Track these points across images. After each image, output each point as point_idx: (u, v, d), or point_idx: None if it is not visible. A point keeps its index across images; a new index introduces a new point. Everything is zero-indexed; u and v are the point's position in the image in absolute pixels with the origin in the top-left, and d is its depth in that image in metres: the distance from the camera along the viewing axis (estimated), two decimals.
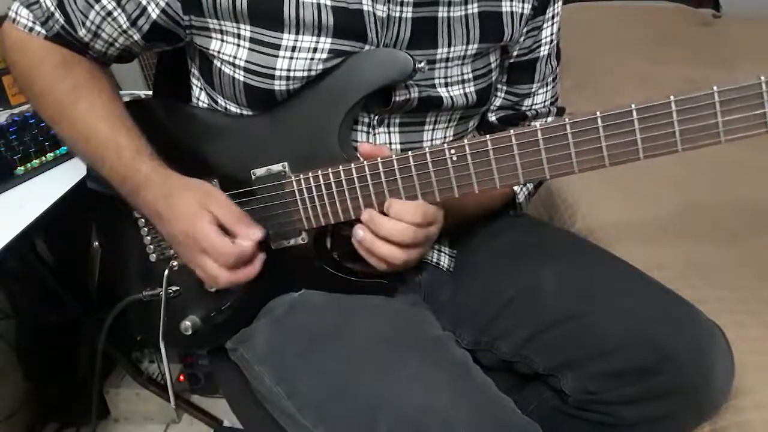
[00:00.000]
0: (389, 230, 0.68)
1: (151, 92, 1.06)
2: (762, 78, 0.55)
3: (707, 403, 0.75)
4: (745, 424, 0.80)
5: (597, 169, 0.62)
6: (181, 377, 1.56)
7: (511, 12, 0.77)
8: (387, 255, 0.69)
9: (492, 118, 0.88)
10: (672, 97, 0.57)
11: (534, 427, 0.69)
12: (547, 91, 0.89)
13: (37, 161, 1.00)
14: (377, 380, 0.66)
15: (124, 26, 0.73)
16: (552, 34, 0.83)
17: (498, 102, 0.87)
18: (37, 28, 0.74)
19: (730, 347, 0.75)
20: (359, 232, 0.70)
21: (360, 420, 0.64)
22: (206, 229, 0.68)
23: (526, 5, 0.78)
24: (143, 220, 0.81)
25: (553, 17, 0.82)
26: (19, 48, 0.76)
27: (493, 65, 0.80)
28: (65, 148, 1.04)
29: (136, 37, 0.74)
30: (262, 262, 0.72)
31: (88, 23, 0.73)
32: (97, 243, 0.89)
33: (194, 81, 0.81)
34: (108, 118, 0.73)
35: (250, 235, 0.69)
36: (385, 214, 0.69)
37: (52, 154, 1.02)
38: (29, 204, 0.91)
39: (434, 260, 0.88)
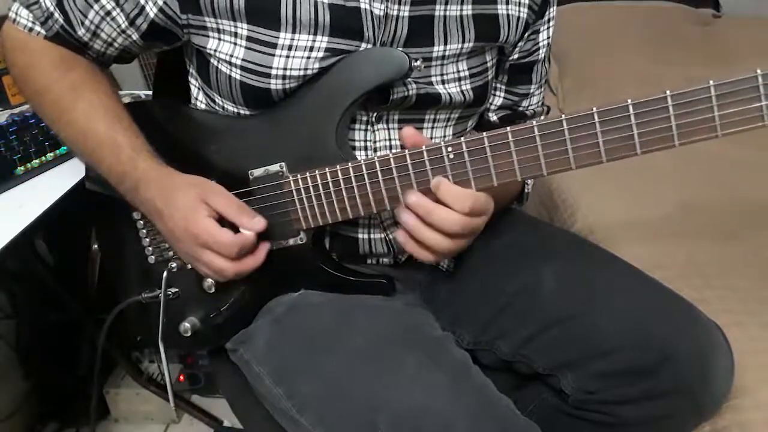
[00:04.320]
0: (440, 218, 0.64)
1: (151, 92, 1.06)
2: (758, 71, 0.55)
3: (707, 403, 0.75)
4: (745, 424, 0.80)
5: (594, 165, 0.62)
6: (181, 377, 1.56)
7: (507, 15, 0.77)
8: (433, 244, 0.65)
9: (493, 117, 0.89)
10: (668, 92, 0.57)
11: (533, 427, 0.69)
12: (541, 93, 0.90)
13: (37, 161, 1.00)
14: (376, 381, 0.66)
15: (123, 26, 0.73)
16: (548, 38, 0.84)
17: (498, 102, 0.88)
18: (37, 28, 0.75)
19: (730, 347, 0.75)
20: (408, 219, 0.65)
21: (359, 420, 0.64)
22: (205, 223, 0.68)
23: (522, 9, 0.78)
24: (142, 222, 0.81)
25: (549, 21, 0.83)
26: (18, 48, 0.76)
27: (488, 64, 0.80)
28: (65, 148, 1.04)
29: (135, 36, 0.74)
30: (266, 251, 0.72)
31: (87, 23, 0.73)
32: (96, 246, 0.89)
33: (192, 81, 0.81)
34: (106, 117, 0.73)
35: (252, 225, 0.70)
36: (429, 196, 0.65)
37: (52, 154, 1.02)
38: (29, 204, 0.91)
39: None
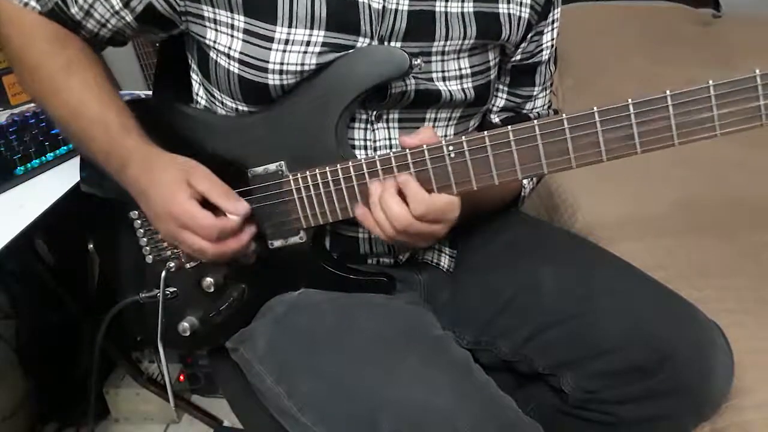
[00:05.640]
0: (390, 208, 0.66)
1: (150, 92, 1.06)
2: (757, 71, 0.56)
3: (707, 403, 0.75)
4: (745, 424, 0.80)
5: (595, 164, 0.63)
6: (181, 377, 1.56)
7: (509, 14, 0.77)
8: (382, 225, 0.68)
9: (495, 119, 0.88)
10: (668, 92, 0.58)
11: (534, 426, 0.69)
12: (546, 95, 0.90)
13: (37, 161, 1.00)
14: (378, 380, 0.66)
15: (117, 7, 0.73)
16: (552, 39, 0.84)
17: (501, 103, 0.87)
18: (32, 3, 0.74)
19: (730, 346, 0.75)
20: (372, 192, 0.68)
21: (361, 419, 0.64)
22: (186, 205, 0.68)
23: (524, 9, 0.78)
24: (139, 221, 0.81)
25: (553, 22, 0.82)
26: (12, 22, 0.76)
27: (491, 63, 0.80)
28: (65, 148, 1.04)
29: (129, 18, 0.74)
30: (251, 234, 0.72)
31: (80, 1, 0.73)
32: (92, 245, 0.89)
33: (193, 76, 0.81)
34: (99, 96, 0.72)
35: (236, 208, 0.69)
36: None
37: (52, 154, 1.02)
38: (29, 204, 0.91)
39: (434, 260, 0.87)
